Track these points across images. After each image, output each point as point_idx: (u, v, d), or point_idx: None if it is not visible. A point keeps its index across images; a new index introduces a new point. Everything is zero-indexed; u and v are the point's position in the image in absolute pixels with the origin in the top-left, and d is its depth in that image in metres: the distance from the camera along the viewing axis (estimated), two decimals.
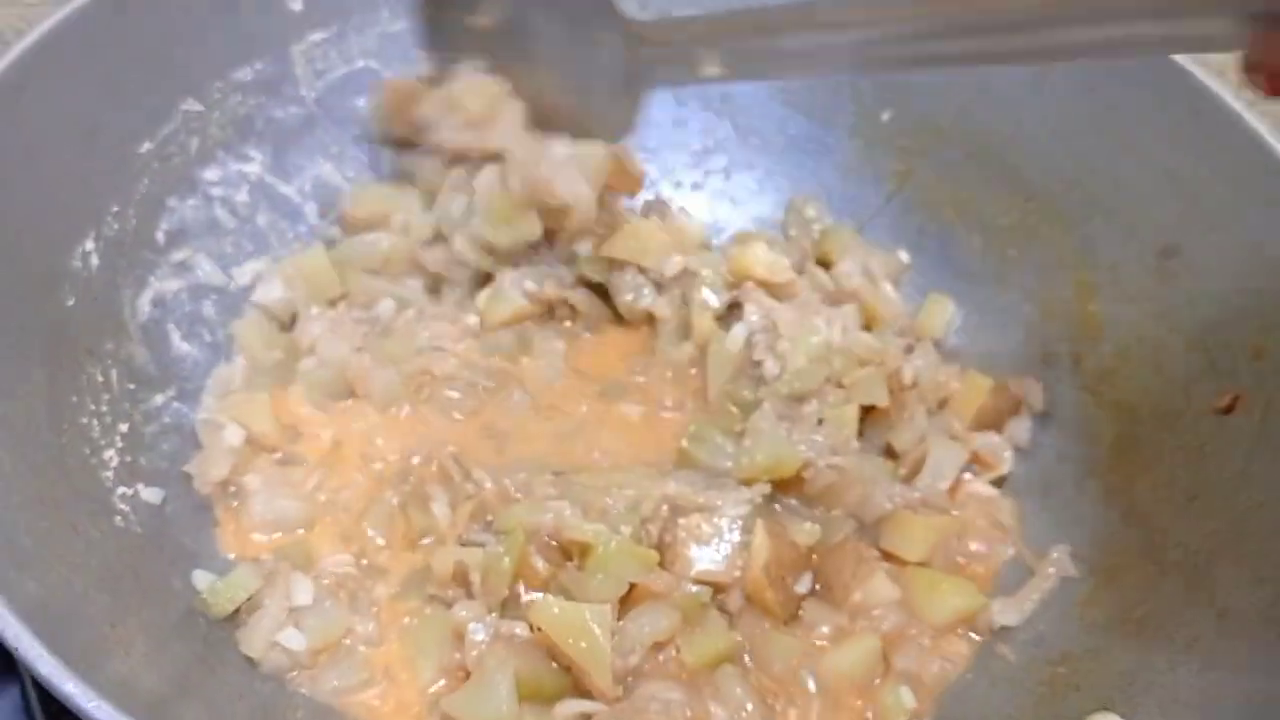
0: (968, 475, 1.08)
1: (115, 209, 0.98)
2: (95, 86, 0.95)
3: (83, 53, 0.94)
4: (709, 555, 0.94)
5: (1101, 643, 0.91)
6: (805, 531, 0.98)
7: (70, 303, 0.92)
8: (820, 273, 1.16)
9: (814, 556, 0.99)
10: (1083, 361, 1.09)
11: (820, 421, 1.04)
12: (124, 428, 0.93)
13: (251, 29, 1.08)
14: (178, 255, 1.04)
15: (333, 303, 1.10)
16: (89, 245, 0.95)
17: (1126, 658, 0.88)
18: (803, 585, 0.98)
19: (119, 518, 0.88)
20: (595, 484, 0.97)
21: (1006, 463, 1.08)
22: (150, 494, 0.92)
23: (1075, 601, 0.96)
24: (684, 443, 1.04)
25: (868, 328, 1.13)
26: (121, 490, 0.90)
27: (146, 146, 1.01)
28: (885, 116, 1.23)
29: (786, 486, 1.02)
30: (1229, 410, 0.95)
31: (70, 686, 0.61)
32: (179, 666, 0.79)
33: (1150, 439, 1.00)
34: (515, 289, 1.12)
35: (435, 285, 1.13)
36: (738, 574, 0.93)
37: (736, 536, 0.94)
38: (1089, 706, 0.83)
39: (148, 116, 1.01)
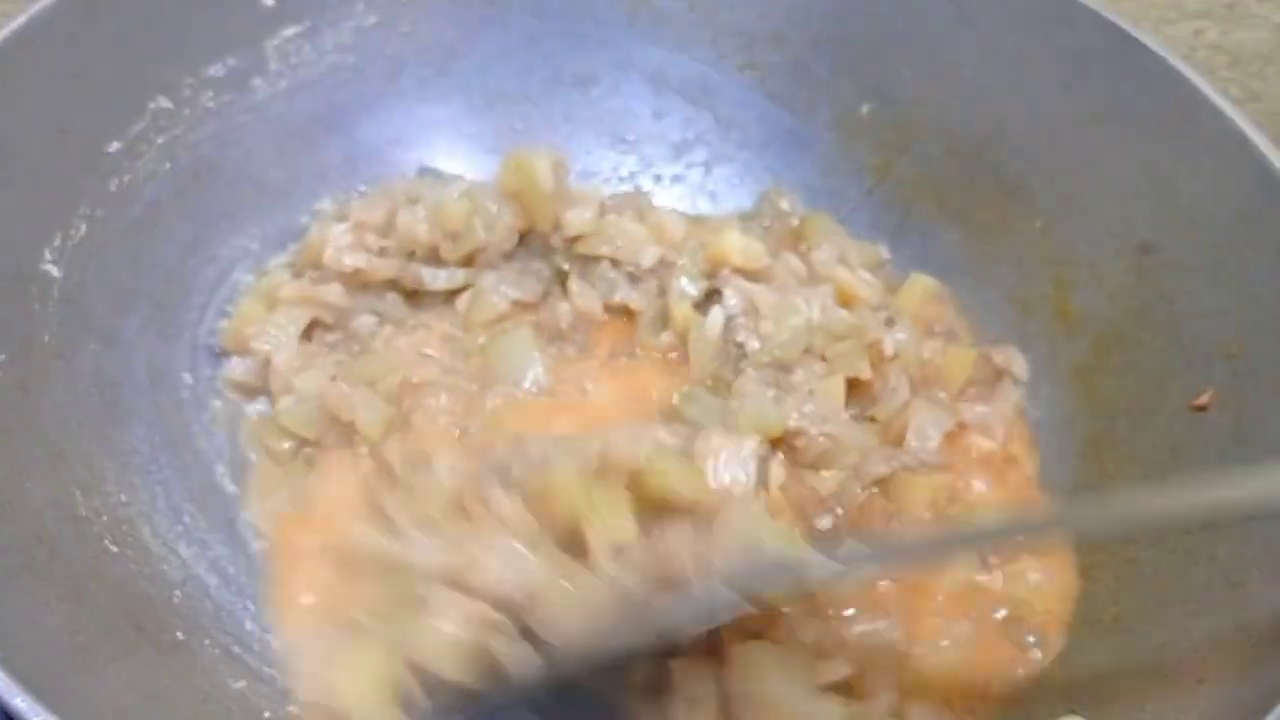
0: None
1: (84, 210, 0.97)
2: (65, 85, 0.94)
3: (52, 52, 0.93)
4: (729, 472, 0.93)
5: (1072, 644, 0.91)
6: (822, 479, 0.99)
7: (39, 306, 0.91)
8: (795, 258, 1.16)
9: (838, 510, 1.00)
10: (1059, 358, 1.09)
11: (810, 393, 1.03)
12: (92, 431, 0.93)
13: (224, 24, 1.06)
14: (146, 258, 1.03)
15: (306, 334, 1.08)
16: (58, 246, 0.94)
17: (1097, 660, 0.88)
18: (824, 522, 0.98)
19: (94, 526, 0.87)
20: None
21: (998, 434, 1.08)
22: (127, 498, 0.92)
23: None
24: (674, 399, 1.04)
25: (845, 308, 1.11)
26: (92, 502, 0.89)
27: (116, 146, 1.00)
28: (864, 111, 1.22)
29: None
30: (1203, 408, 0.95)
31: (18, 701, 0.61)
32: (144, 668, 0.78)
33: (1125, 436, 1.00)
34: (495, 293, 1.11)
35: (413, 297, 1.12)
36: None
37: (751, 463, 0.93)
38: (1058, 709, 0.83)
39: (118, 115, 1.00)
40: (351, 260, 1.07)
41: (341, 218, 1.12)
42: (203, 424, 1.03)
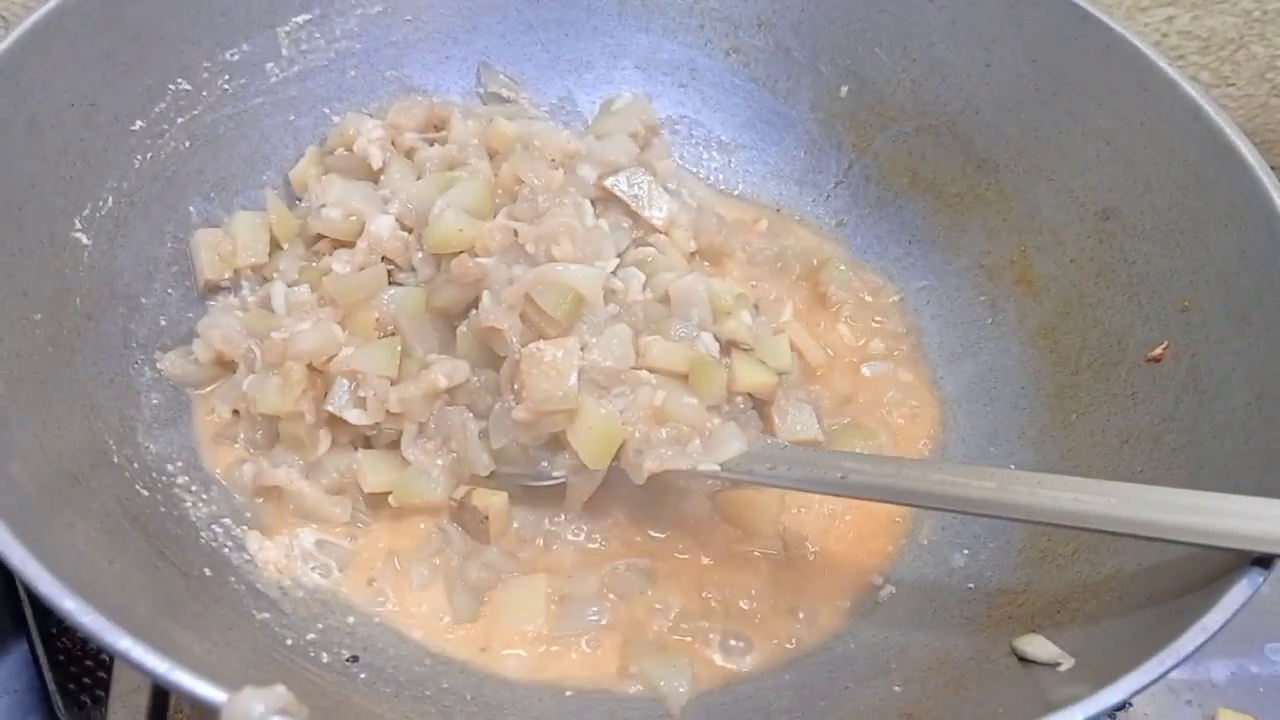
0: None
1: (111, 183, 1.03)
2: (94, 66, 1.00)
3: (82, 34, 0.99)
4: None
5: (1035, 576, 0.97)
6: None
7: (70, 270, 0.97)
8: None
9: None
10: (1027, 318, 1.15)
11: None
12: (122, 389, 0.99)
13: (240, 11, 1.13)
14: (170, 228, 1.09)
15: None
16: (88, 215, 1.00)
17: (1056, 588, 0.94)
18: None
19: (126, 472, 0.93)
20: None
21: None
22: (155, 449, 0.98)
23: (1014, 540, 1.02)
24: None
25: None
26: (124, 451, 0.95)
27: (139, 124, 1.06)
28: (843, 92, 1.29)
29: None
30: (1159, 359, 1.01)
31: (69, 603, 0.67)
32: (174, 595, 0.85)
33: (1087, 387, 1.07)
34: None
35: None
36: None
37: None
38: (1020, 632, 0.89)
39: (142, 96, 1.06)
40: (378, 155, 1.14)
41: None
42: None
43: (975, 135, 1.21)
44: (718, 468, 0.98)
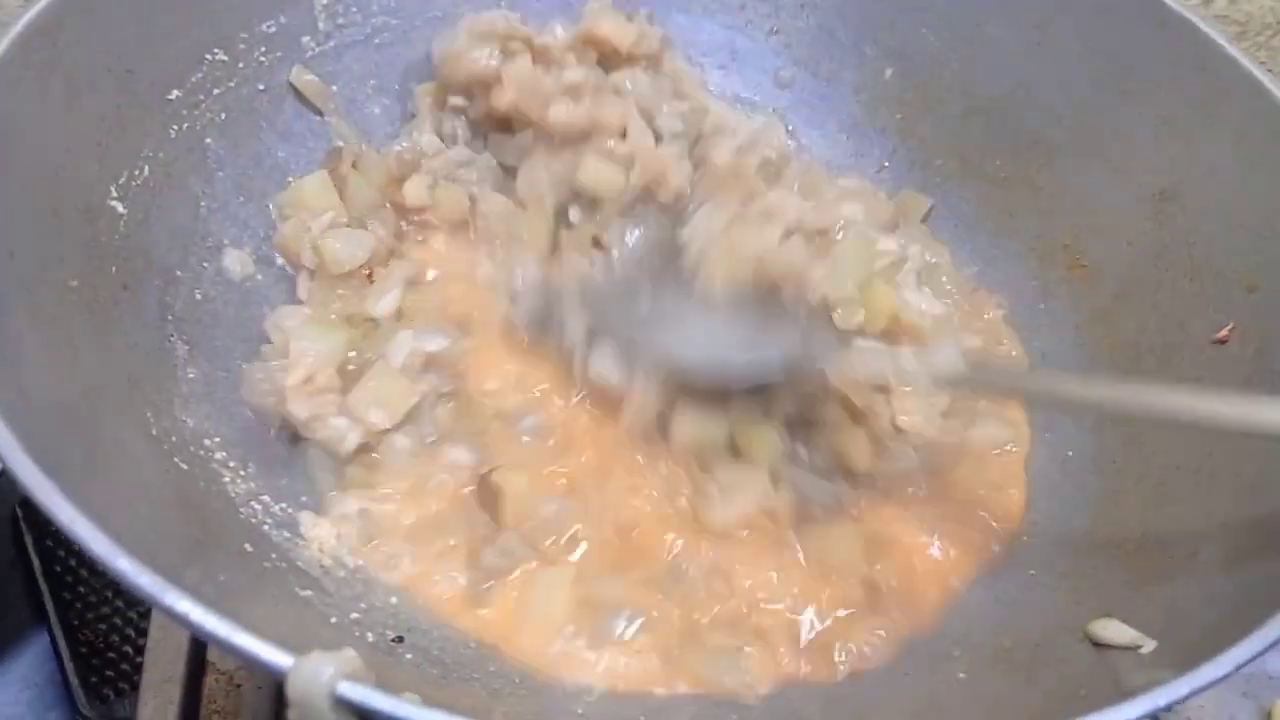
0: None
1: (147, 152, 1.00)
2: (131, 31, 0.97)
3: None
4: None
5: (1103, 561, 0.94)
6: None
7: (105, 238, 0.94)
8: None
9: None
10: (1081, 303, 1.13)
11: None
12: (159, 362, 0.96)
13: None
14: (205, 201, 1.07)
15: None
16: (123, 184, 0.97)
17: (1128, 573, 0.91)
18: None
19: (164, 445, 0.90)
20: None
21: None
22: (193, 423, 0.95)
23: (1073, 524, 0.99)
24: None
25: None
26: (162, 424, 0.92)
27: (176, 94, 1.03)
28: (888, 74, 1.27)
29: None
30: (1224, 341, 0.99)
31: (123, 562, 0.64)
32: (217, 568, 0.82)
33: (1150, 372, 1.04)
34: None
35: None
36: None
37: None
38: (1092, 616, 0.86)
39: (178, 64, 1.03)
40: None
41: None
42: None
43: (1026, 117, 1.19)
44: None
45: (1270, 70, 1.45)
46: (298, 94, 1.15)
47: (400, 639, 0.89)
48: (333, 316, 1.06)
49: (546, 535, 0.98)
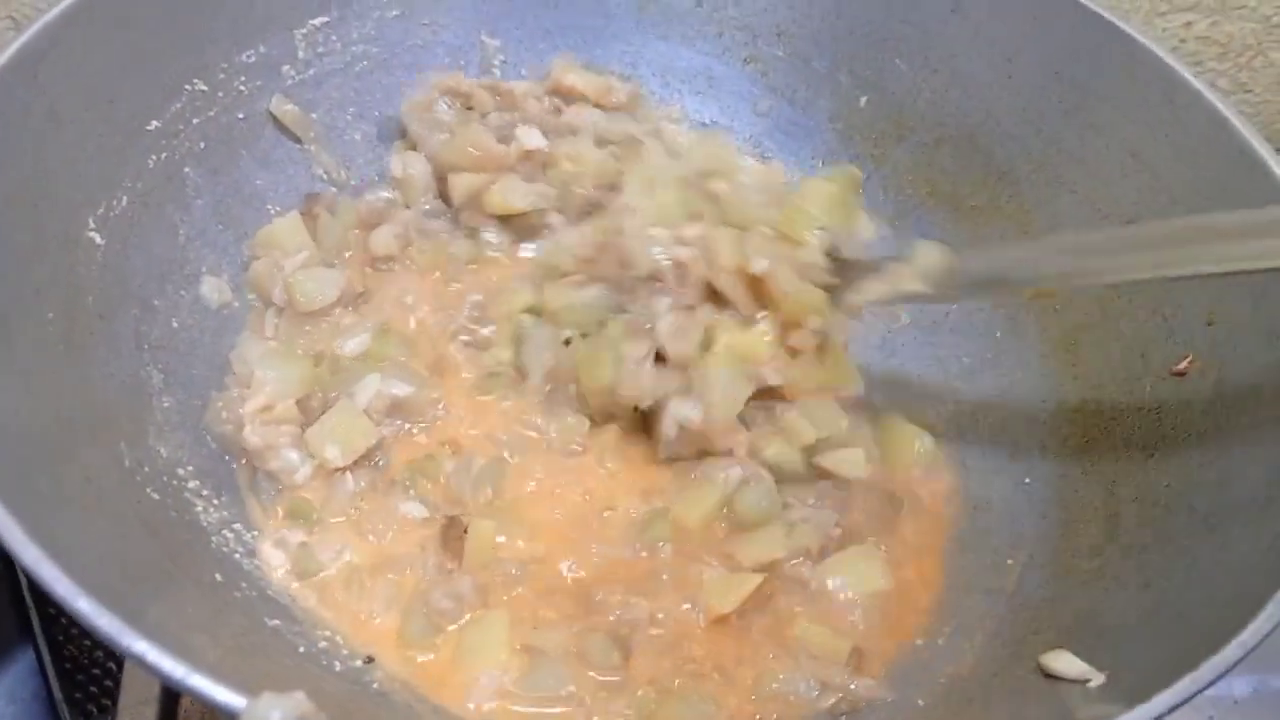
0: None
1: (126, 183, 1.02)
2: (112, 62, 0.99)
3: (101, 30, 0.98)
4: None
5: (1059, 590, 0.96)
6: None
7: (83, 269, 0.96)
8: None
9: None
10: (1047, 330, 1.14)
11: None
12: (134, 391, 0.97)
13: (258, 12, 1.12)
14: (183, 230, 1.08)
15: None
16: (101, 215, 0.98)
17: (1083, 603, 0.92)
18: None
19: (137, 476, 0.92)
20: None
21: None
22: (166, 452, 0.96)
23: (1037, 554, 1.01)
24: None
25: None
26: (135, 454, 0.94)
27: (155, 124, 1.05)
28: (862, 102, 1.28)
29: None
30: (1183, 374, 1.00)
31: (83, 604, 0.65)
32: (186, 600, 0.83)
33: (1110, 401, 1.05)
34: None
35: None
36: None
37: None
38: (1046, 648, 0.87)
39: (158, 94, 1.05)
40: None
41: None
42: None
43: (996, 147, 1.20)
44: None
45: (1250, 91, 1.48)
46: (277, 122, 1.16)
47: (371, 659, 0.90)
48: (299, 352, 1.08)
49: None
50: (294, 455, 1.00)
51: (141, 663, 0.63)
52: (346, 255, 1.16)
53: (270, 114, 1.16)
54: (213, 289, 1.09)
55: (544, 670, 0.91)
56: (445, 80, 1.19)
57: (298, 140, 1.18)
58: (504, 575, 0.97)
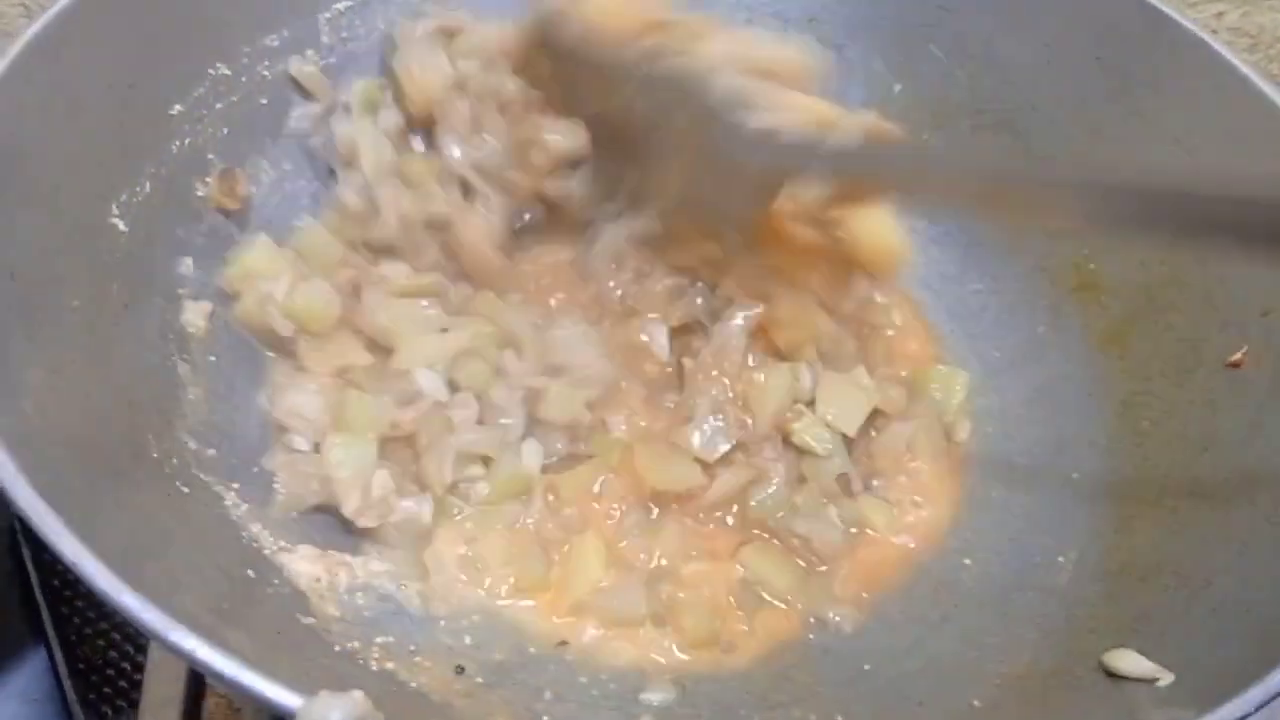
0: None
1: (149, 169, 0.99)
2: (133, 46, 0.96)
3: (123, 14, 0.95)
4: None
5: (1116, 588, 0.93)
6: None
7: (107, 257, 0.93)
8: None
9: None
10: (1092, 323, 1.12)
11: None
12: (161, 383, 0.94)
13: None
14: (206, 217, 1.05)
15: None
16: (124, 201, 0.95)
17: (1142, 601, 0.90)
18: None
19: (165, 468, 0.89)
20: None
21: None
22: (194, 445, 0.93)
23: (1089, 550, 0.98)
24: None
25: None
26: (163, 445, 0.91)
27: (178, 109, 1.02)
28: (896, 90, 1.26)
29: None
30: (1239, 365, 0.98)
31: (128, 599, 0.62)
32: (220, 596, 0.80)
33: (1161, 394, 1.03)
34: None
35: None
36: None
37: None
38: (1106, 646, 0.85)
39: (180, 79, 1.02)
40: None
41: None
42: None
43: (1035, 134, 1.18)
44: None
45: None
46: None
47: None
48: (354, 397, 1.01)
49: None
50: (409, 504, 0.97)
51: (190, 658, 0.60)
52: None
53: (293, 79, 1.13)
54: None
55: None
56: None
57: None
58: None
